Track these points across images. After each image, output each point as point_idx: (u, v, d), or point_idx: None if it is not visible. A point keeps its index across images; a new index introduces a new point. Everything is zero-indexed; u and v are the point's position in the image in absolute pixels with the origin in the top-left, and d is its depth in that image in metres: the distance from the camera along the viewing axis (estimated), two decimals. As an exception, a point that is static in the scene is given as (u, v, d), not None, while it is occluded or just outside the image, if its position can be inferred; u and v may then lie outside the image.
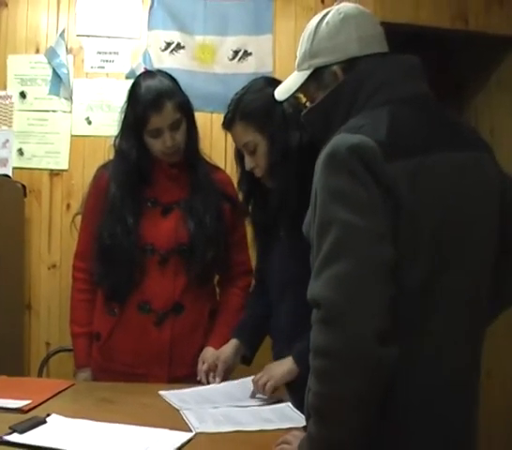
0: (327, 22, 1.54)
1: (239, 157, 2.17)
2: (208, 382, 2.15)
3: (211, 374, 2.17)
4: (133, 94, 2.30)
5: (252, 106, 2.03)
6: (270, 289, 2.19)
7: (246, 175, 2.17)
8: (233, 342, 2.21)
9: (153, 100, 2.21)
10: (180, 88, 2.34)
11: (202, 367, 2.20)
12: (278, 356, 2.06)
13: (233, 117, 2.07)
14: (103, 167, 2.44)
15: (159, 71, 2.43)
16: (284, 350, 2.01)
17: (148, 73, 2.46)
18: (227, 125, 2.11)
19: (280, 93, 1.71)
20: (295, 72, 1.63)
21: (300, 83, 1.60)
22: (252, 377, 2.00)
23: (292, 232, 1.98)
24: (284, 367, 1.94)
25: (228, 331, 2.32)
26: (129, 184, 2.30)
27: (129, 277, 2.26)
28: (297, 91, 1.64)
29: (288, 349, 1.98)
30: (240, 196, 2.28)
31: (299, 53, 1.61)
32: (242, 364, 2.25)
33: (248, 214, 2.26)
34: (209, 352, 2.26)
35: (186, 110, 2.32)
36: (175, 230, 2.30)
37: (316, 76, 1.56)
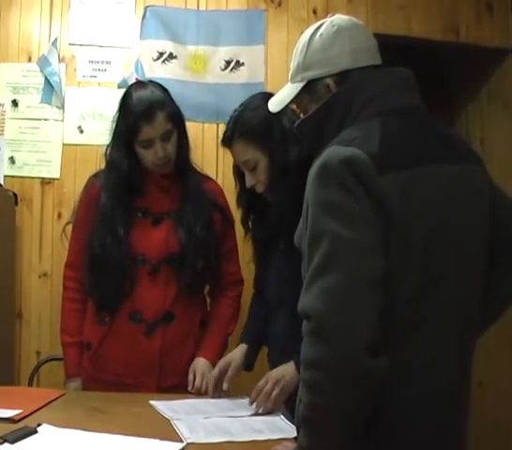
0: (321, 35, 1.55)
1: (238, 174, 2.18)
2: (215, 390, 2.12)
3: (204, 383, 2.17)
4: (125, 104, 2.30)
5: (251, 123, 2.03)
6: (267, 300, 2.20)
7: (244, 192, 2.18)
8: (244, 347, 2.21)
9: (144, 111, 2.22)
10: (171, 99, 2.34)
11: (192, 378, 2.20)
12: (273, 365, 2.06)
13: (233, 135, 2.07)
14: (94, 176, 2.44)
15: (151, 82, 2.44)
16: (280, 359, 2.00)
17: (140, 83, 2.46)
18: (226, 143, 2.11)
19: (274, 105, 1.72)
20: (289, 84, 1.64)
21: (293, 95, 1.61)
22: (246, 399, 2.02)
23: (290, 248, 1.98)
24: (289, 371, 1.93)
25: (219, 340, 2.34)
26: (120, 194, 2.30)
27: (120, 287, 2.26)
28: (291, 103, 1.65)
29: (283, 358, 1.98)
30: (239, 212, 2.29)
31: (292, 65, 1.61)
32: (245, 370, 2.24)
33: (248, 229, 2.27)
34: (200, 363, 2.27)
35: (177, 120, 2.32)
36: (166, 240, 2.30)
37: (309, 88, 1.57)
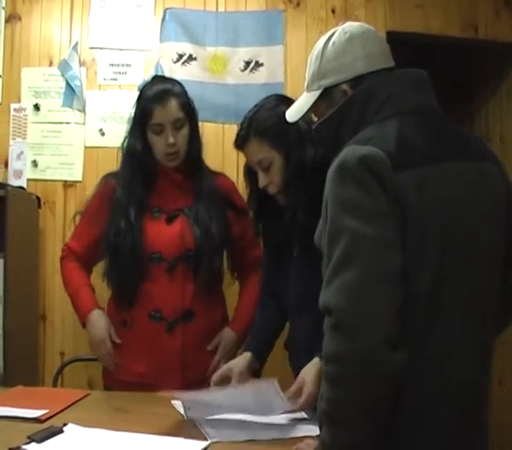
0: (334, 43, 1.57)
1: (249, 175, 2.16)
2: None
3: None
4: (141, 94, 2.39)
5: (267, 123, 2.02)
6: (286, 306, 2.19)
7: (256, 194, 2.16)
8: (247, 356, 2.19)
9: (158, 95, 2.31)
10: (187, 95, 2.40)
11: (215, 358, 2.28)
12: (296, 368, 2.06)
13: (248, 134, 2.06)
14: (107, 176, 2.49)
15: (169, 78, 2.54)
16: (303, 361, 2.00)
17: (158, 77, 2.57)
18: (240, 142, 2.09)
19: (291, 115, 1.73)
20: (305, 93, 1.66)
21: (310, 104, 1.63)
22: (264, 381, 1.98)
23: (305, 251, 1.98)
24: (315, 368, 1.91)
25: (250, 310, 2.37)
26: (136, 186, 2.34)
27: (137, 278, 2.29)
28: (308, 111, 1.66)
29: (306, 360, 1.96)
30: (250, 214, 2.27)
31: (308, 75, 1.64)
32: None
33: (259, 232, 2.25)
34: (226, 335, 2.39)
35: (190, 112, 2.37)
36: (181, 236, 2.32)
37: (326, 95, 1.59)
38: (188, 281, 2.31)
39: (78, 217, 2.57)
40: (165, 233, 2.32)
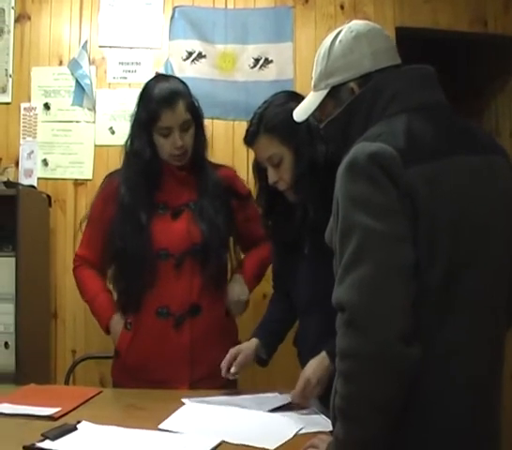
0: (340, 41, 1.57)
1: (258, 172, 2.15)
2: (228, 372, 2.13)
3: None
4: (146, 94, 2.33)
5: (277, 119, 2.01)
6: (296, 304, 2.19)
7: (265, 190, 2.15)
8: (254, 341, 2.20)
9: (167, 97, 2.26)
10: (191, 93, 2.38)
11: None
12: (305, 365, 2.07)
13: (258, 130, 2.05)
14: (111, 175, 2.48)
15: (171, 76, 2.51)
16: (313, 357, 2.00)
17: (161, 76, 2.51)
18: (250, 138, 2.08)
19: (299, 114, 1.73)
20: (312, 92, 1.65)
21: (318, 103, 1.63)
22: (276, 393, 2.07)
23: (316, 248, 1.98)
24: (323, 362, 1.92)
25: (256, 262, 2.47)
26: (141, 187, 2.32)
27: (145, 282, 2.28)
28: (316, 110, 1.66)
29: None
30: (260, 211, 2.27)
31: (315, 74, 1.63)
32: (258, 365, 2.24)
33: (268, 230, 2.24)
34: (235, 280, 2.44)
35: (196, 113, 2.35)
36: (188, 231, 2.31)
37: (333, 94, 1.59)
38: (196, 276, 2.30)
39: (84, 223, 2.53)
40: (171, 229, 2.31)
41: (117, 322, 2.36)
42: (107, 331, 2.40)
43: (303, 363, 2.10)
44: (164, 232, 2.31)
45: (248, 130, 2.09)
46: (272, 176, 2.05)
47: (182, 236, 2.31)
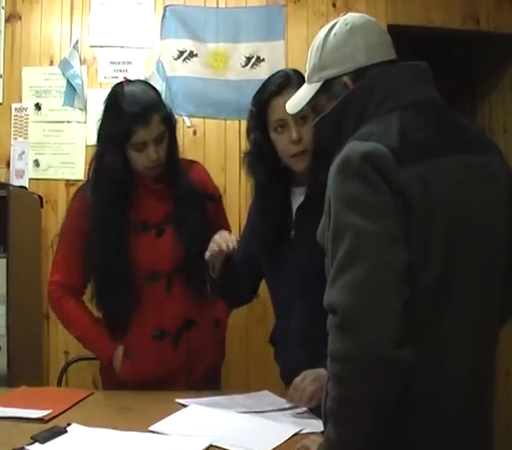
0: (335, 34, 1.54)
1: (263, 148, 2.05)
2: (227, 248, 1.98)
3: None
4: (115, 104, 2.18)
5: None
6: (278, 295, 2.16)
7: (268, 168, 2.07)
8: None
9: (141, 113, 2.12)
10: (162, 101, 2.27)
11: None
12: (287, 360, 2.06)
13: (289, 81, 1.96)
14: (80, 190, 2.35)
15: (140, 81, 2.36)
16: (296, 353, 2.00)
17: (130, 82, 2.28)
18: (284, 85, 1.97)
19: (292, 106, 1.71)
20: (305, 85, 1.64)
21: (311, 96, 1.61)
22: (266, 391, 2.05)
23: (302, 233, 1.97)
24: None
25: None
26: (116, 203, 2.20)
27: (135, 306, 2.22)
28: (308, 103, 1.64)
29: (299, 351, 1.98)
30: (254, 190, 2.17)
31: (308, 66, 1.61)
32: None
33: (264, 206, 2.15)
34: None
35: (169, 122, 2.24)
36: (173, 249, 2.24)
37: (326, 87, 1.57)
38: (186, 292, 2.26)
39: (55, 244, 2.39)
40: (157, 249, 2.24)
41: (119, 353, 2.26)
42: (108, 362, 2.29)
43: (281, 361, 2.10)
44: (151, 252, 2.23)
45: (273, 85, 2.00)
46: (296, 132, 1.96)
47: (168, 255, 2.24)
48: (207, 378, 2.22)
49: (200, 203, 2.30)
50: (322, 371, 1.88)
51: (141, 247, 2.23)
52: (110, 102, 2.22)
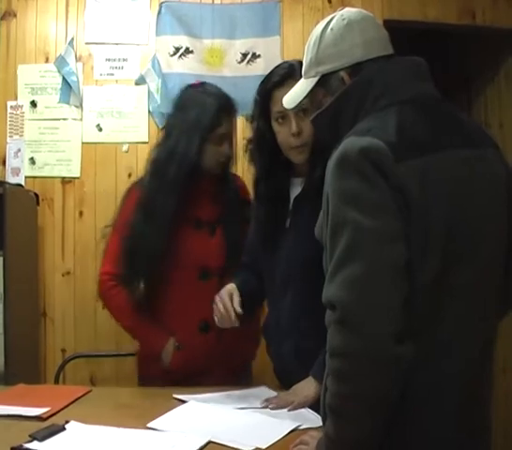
0: (332, 29, 1.54)
1: (264, 139, 2.05)
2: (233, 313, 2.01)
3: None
4: (199, 98, 2.28)
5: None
6: (270, 283, 2.13)
7: (269, 156, 2.07)
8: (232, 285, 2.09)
9: (226, 106, 2.27)
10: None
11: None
12: (277, 353, 2.06)
13: (291, 73, 1.94)
14: (136, 185, 2.37)
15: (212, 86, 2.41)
16: (285, 348, 2.00)
17: (203, 83, 2.42)
18: (286, 76, 1.96)
19: (288, 101, 1.70)
20: (302, 80, 1.63)
21: (308, 91, 1.60)
22: (264, 387, 2.06)
23: (297, 223, 1.98)
24: (311, 389, 1.88)
25: None
26: (176, 192, 2.22)
27: (190, 303, 2.26)
28: (305, 98, 1.64)
29: (287, 343, 1.98)
30: (254, 178, 2.17)
31: (305, 61, 1.60)
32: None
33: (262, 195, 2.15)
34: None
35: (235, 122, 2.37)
36: (221, 249, 2.29)
37: (323, 82, 1.56)
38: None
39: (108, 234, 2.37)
40: (209, 246, 2.29)
41: (170, 345, 2.27)
42: (158, 353, 2.29)
43: (272, 353, 2.09)
44: (202, 249, 2.28)
45: (273, 79, 2.00)
46: (296, 125, 1.95)
47: (219, 253, 2.29)
48: (240, 373, 2.25)
49: (242, 209, 2.34)
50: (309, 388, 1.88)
51: (193, 242, 2.27)
52: (190, 97, 2.32)
